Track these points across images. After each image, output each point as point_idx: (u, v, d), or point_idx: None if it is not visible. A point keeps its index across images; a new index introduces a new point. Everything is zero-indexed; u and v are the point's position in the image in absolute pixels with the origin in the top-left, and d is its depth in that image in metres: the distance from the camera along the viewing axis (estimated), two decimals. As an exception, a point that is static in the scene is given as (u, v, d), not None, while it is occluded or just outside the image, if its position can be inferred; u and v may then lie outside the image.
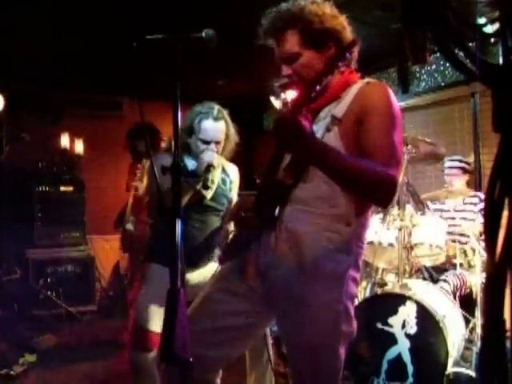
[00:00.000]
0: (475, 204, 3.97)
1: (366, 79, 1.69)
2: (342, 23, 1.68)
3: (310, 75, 1.58)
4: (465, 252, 3.71)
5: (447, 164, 4.16)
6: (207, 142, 2.48)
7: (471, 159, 4.57)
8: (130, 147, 4.86)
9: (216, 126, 2.49)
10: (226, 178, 2.67)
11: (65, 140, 5.87)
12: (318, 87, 1.47)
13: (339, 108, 1.63)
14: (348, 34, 1.68)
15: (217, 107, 2.53)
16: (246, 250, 1.74)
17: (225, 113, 2.56)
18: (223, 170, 2.67)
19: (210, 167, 2.40)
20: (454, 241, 3.74)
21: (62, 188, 5.61)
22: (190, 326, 1.37)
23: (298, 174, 1.64)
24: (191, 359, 1.28)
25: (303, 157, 1.57)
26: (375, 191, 1.56)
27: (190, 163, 2.51)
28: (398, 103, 1.64)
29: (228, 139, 2.58)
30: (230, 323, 1.74)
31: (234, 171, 2.74)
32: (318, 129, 1.63)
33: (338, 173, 1.52)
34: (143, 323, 2.42)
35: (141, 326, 2.44)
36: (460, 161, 4.15)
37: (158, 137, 4.52)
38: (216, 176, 2.53)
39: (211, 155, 2.43)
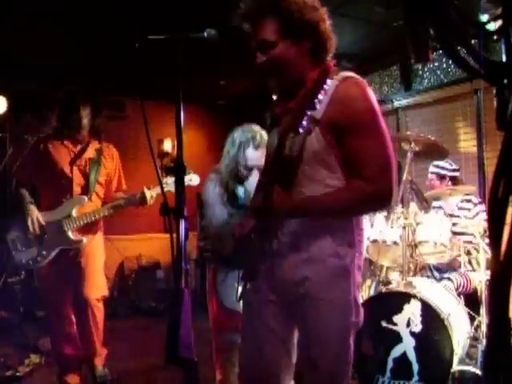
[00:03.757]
0: (469, 209, 3.94)
1: (342, 73, 1.62)
2: (322, 15, 1.63)
3: (283, 65, 1.63)
4: (469, 250, 3.70)
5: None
6: (250, 169, 2.50)
7: (477, 153, 4.54)
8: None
9: (258, 153, 2.47)
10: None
11: (67, 141, 5.85)
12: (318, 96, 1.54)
13: (317, 109, 1.57)
14: (327, 26, 1.64)
15: (259, 133, 2.51)
16: (257, 257, 1.72)
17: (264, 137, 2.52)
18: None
19: None
20: (458, 233, 3.73)
21: (66, 189, 5.60)
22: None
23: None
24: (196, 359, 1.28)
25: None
26: (368, 209, 1.76)
27: (241, 191, 2.53)
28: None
29: None
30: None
31: None
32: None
33: (326, 215, 1.63)
34: (231, 305, 2.42)
35: (227, 307, 2.45)
36: (436, 166, 4.14)
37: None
38: None
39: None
